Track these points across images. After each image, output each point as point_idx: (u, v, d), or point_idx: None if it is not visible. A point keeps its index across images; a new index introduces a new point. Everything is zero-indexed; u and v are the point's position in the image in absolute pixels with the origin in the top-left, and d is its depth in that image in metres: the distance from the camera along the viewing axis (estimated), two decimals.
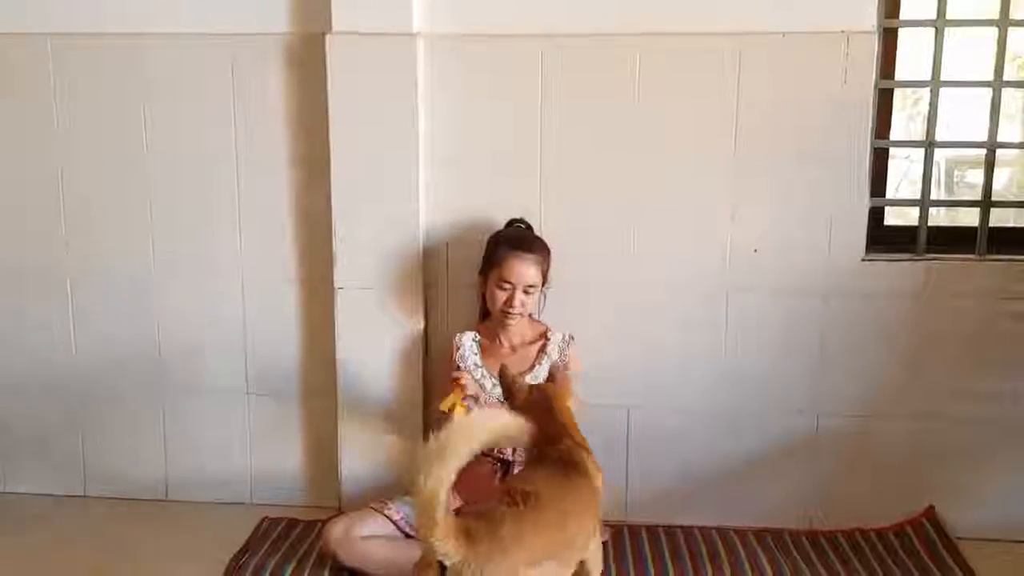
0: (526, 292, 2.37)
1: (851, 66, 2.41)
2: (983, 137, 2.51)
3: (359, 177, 2.50)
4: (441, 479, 1.41)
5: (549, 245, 2.47)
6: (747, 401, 2.59)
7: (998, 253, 2.52)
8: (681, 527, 2.60)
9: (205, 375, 2.73)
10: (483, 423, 1.51)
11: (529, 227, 2.50)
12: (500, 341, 2.46)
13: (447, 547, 1.45)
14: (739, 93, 2.45)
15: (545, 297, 2.49)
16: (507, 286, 2.37)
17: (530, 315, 2.49)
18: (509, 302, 2.36)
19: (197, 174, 2.63)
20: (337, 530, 2.28)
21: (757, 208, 2.50)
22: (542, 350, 2.45)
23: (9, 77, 2.63)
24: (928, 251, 2.52)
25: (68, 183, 2.66)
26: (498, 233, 2.47)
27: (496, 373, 2.36)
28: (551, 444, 1.87)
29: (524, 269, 2.36)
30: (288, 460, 2.76)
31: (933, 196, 2.55)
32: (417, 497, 1.42)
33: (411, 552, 2.24)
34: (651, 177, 2.51)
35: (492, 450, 2.34)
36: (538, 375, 2.40)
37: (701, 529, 2.58)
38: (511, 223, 2.50)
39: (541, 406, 1.96)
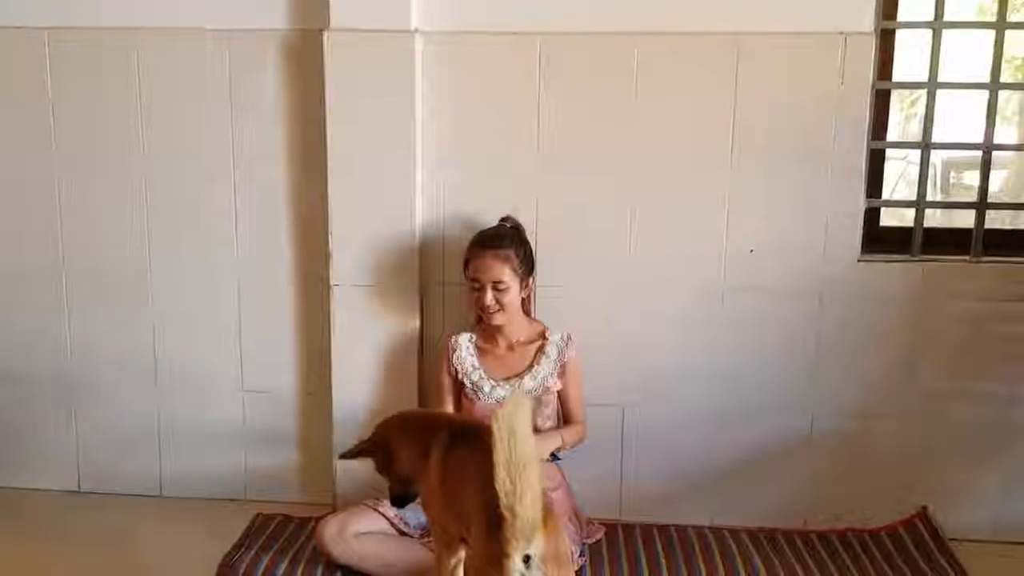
0: (497, 289, 2.32)
1: (848, 67, 2.41)
2: (980, 139, 2.51)
3: (356, 173, 2.49)
4: (538, 493, 1.48)
5: (546, 243, 2.45)
6: (742, 401, 2.59)
7: (993, 255, 2.52)
8: (675, 526, 2.60)
9: (200, 371, 2.73)
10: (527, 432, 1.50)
11: (515, 225, 2.46)
12: (497, 341, 2.45)
13: (541, 543, 1.52)
14: (736, 93, 2.45)
15: (534, 294, 2.48)
16: (476, 284, 2.35)
17: (527, 314, 2.48)
18: (481, 301, 2.34)
19: (193, 169, 2.62)
20: (331, 527, 2.29)
21: (754, 208, 2.50)
22: (540, 350, 2.43)
23: (5, 70, 2.62)
24: (924, 252, 2.53)
25: (63, 177, 2.65)
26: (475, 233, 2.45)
27: (495, 376, 2.39)
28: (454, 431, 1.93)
29: (487, 265, 2.32)
30: (282, 457, 2.76)
31: (929, 197, 2.55)
32: (520, 517, 1.46)
33: (405, 549, 2.26)
34: (648, 176, 2.51)
35: None
36: (536, 375, 2.40)
37: (695, 528, 2.59)
38: (501, 221, 2.48)
39: (408, 425, 2.03)
